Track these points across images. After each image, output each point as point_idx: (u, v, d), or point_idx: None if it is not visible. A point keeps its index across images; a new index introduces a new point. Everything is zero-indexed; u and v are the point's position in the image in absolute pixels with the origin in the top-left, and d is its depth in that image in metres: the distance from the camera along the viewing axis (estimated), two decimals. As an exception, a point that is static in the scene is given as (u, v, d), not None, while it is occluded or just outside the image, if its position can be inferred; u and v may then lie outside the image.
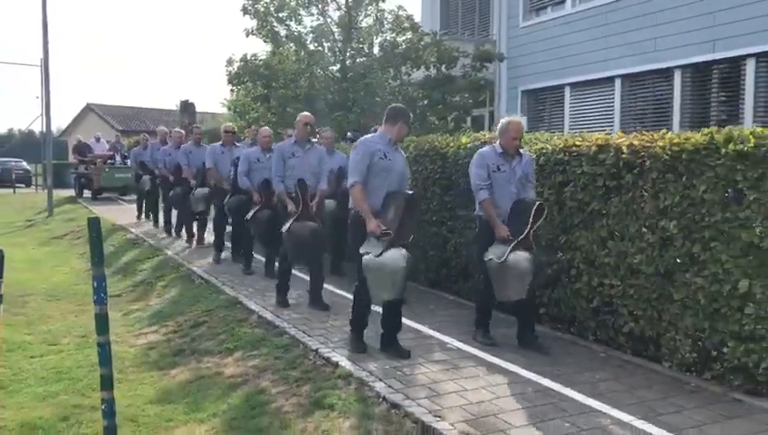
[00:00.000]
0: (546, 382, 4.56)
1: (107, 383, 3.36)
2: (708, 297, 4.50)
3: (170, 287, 8.18)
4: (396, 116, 5.20)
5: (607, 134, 5.54)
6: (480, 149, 5.53)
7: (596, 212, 5.34)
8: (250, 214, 7.69)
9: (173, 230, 11.58)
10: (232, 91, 13.94)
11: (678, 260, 4.71)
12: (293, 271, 7.06)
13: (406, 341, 5.35)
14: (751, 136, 4.19)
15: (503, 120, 5.43)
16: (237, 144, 9.60)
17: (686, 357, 4.75)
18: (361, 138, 5.36)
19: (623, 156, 5.04)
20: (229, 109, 16.76)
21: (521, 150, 5.44)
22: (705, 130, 4.53)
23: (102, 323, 3.27)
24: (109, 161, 19.78)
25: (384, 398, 4.33)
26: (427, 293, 7.24)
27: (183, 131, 12.13)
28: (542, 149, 5.90)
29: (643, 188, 4.90)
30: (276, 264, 7.82)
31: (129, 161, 18.19)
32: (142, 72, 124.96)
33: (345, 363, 4.96)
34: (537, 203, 5.16)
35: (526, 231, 5.07)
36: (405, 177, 5.33)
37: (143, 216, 14.02)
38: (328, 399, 4.42)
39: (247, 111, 14.11)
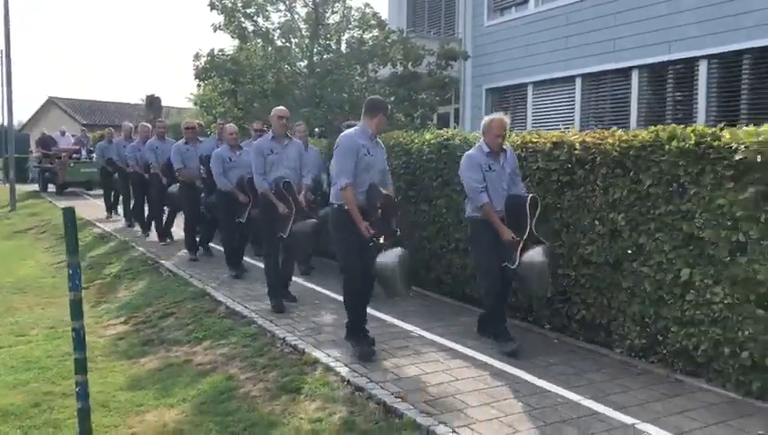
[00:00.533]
0: (501, 366, 4.82)
1: (81, 367, 3.49)
2: (654, 285, 4.79)
3: (138, 280, 8.26)
4: (375, 108, 5.17)
5: (562, 132, 5.80)
6: (467, 153, 5.44)
7: (551, 206, 5.61)
8: (244, 216, 7.57)
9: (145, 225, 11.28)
10: (198, 86, 13.95)
11: (628, 251, 5.00)
12: (254, 261, 7.18)
13: (370, 329, 5.54)
14: (692, 134, 4.48)
15: (486, 119, 5.40)
16: (200, 139, 9.49)
17: (635, 343, 5.04)
18: (343, 133, 5.23)
19: (576, 152, 5.32)
20: (196, 104, 16.75)
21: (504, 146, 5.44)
22: (652, 128, 4.82)
23: (77, 309, 3.40)
24: (74, 156, 19.57)
25: (348, 381, 4.54)
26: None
27: (149, 126, 11.90)
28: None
29: (594, 183, 5.18)
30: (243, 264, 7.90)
31: (94, 156, 18.04)
32: (108, 64, 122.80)
33: (311, 350, 5.15)
34: (530, 197, 5.15)
35: (528, 228, 5.04)
36: (386, 172, 5.36)
37: (113, 213, 13.89)
38: (294, 383, 4.62)
39: (214, 105, 14.15)
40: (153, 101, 26.10)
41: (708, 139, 4.35)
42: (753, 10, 10.40)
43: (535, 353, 5.13)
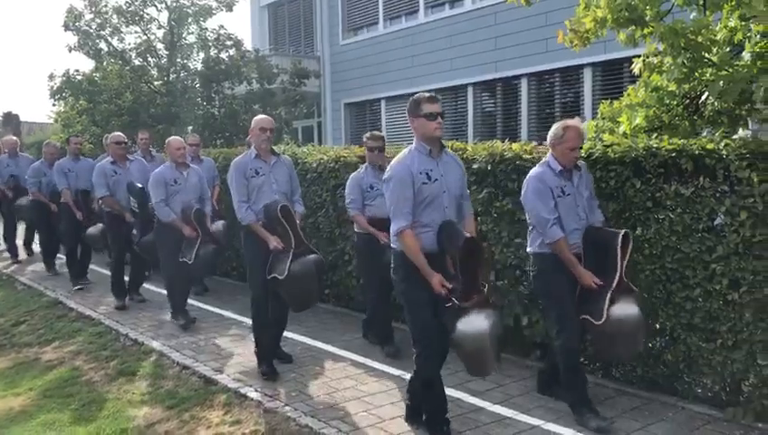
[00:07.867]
0: (315, 344, 5.82)
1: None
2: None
3: (-8, 295, 8.60)
4: (408, 111, 3.85)
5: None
6: (533, 172, 4.22)
7: (329, 201, 6.92)
8: (191, 254, 6.18)
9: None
10: (54, 104, 14.17)
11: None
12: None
13: (209, 322, 6.37)
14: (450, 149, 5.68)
15: (556, 127, 4.20)
16: (130, 158, 7.50)
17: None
18: (395, 159, 3.84)
19: (337, 165, 6.70)
20: (56, 121, 16.75)
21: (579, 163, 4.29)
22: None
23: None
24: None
25: (177, 363, 5.38)
26: (234, 285, 8.28)
27: (57, 144, 9.57)
28: (321, 159, 7.14)
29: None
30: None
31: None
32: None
33: (149, 342, 5.93)
34: (622, 233, 4.01)
35: (618, 274, 3.97)
36: (463, 198, 3.96)
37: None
38: (131, 368, 5.41)
39: (72, 123, 14.38)
40: (10, 119, 25.34)
41: (459, 152, 5.55)
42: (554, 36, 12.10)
43: (346, 330, 6.15)
